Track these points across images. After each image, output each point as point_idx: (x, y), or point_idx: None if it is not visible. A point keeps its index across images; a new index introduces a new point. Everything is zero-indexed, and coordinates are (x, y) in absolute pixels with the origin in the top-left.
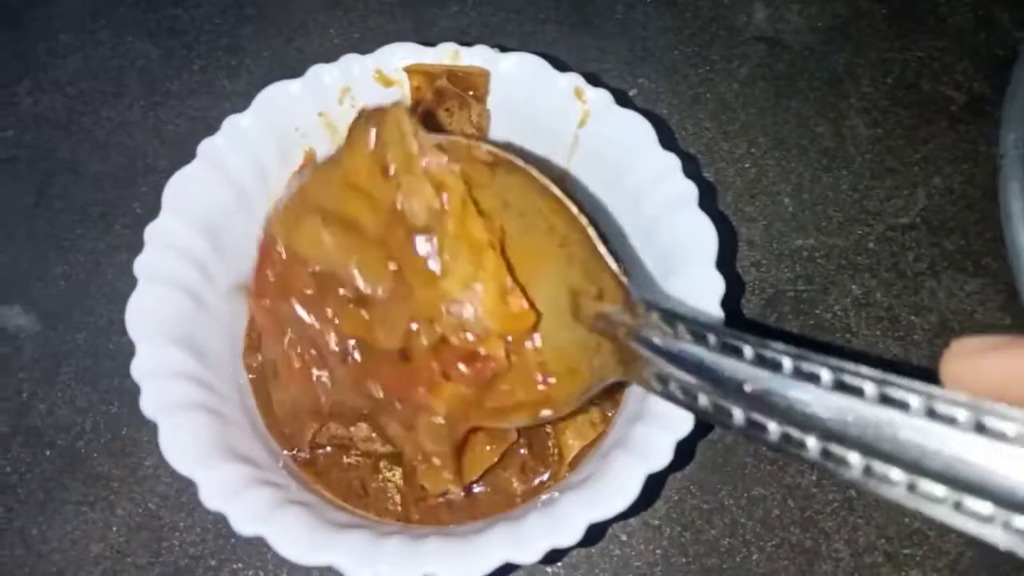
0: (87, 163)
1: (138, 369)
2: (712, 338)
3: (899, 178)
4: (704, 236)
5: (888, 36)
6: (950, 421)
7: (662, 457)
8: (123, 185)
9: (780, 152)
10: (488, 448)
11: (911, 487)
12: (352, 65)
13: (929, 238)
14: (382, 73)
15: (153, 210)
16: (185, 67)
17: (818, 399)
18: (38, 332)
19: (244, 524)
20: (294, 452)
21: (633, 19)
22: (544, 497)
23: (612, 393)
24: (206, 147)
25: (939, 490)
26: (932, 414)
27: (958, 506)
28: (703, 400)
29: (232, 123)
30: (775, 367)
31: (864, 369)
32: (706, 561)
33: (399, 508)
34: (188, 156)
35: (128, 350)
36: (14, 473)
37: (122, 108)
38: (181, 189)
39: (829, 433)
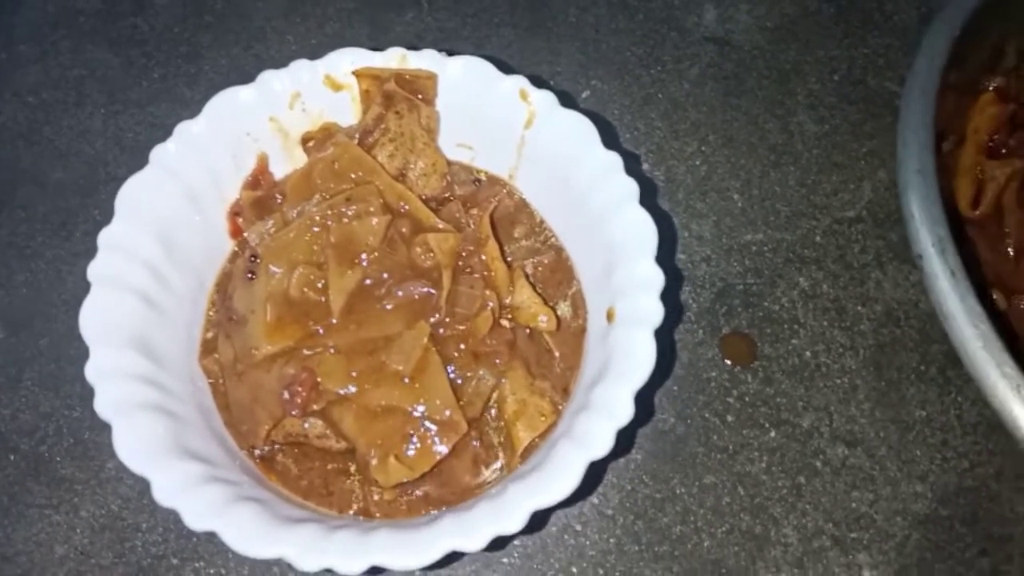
0: (48, 172)
1: (92, 371)
2: None
3: (845, 172)
4: (644, 232)
5: (835, 34)
6: None
7: (603, 445)
8: (84, 193)
9: (729, 149)
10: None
11: None
12: (302, 71)
13: (875, 230)
14: (331, 78)
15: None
16: (145, 75)
17: None
18: (1, 339)
19: (196, 520)
20: (251, 449)
21: (586, 22)
22: (495, 488)
23: (563, 386)
24: (158, 153)
25: None
26: None
27: None
28: None
29: (184, 129)
30: None
31: None
32: (658, 548)
33: (360, 505)
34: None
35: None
36: None
37: (83, 117)
38: (134, 195)
39: None
